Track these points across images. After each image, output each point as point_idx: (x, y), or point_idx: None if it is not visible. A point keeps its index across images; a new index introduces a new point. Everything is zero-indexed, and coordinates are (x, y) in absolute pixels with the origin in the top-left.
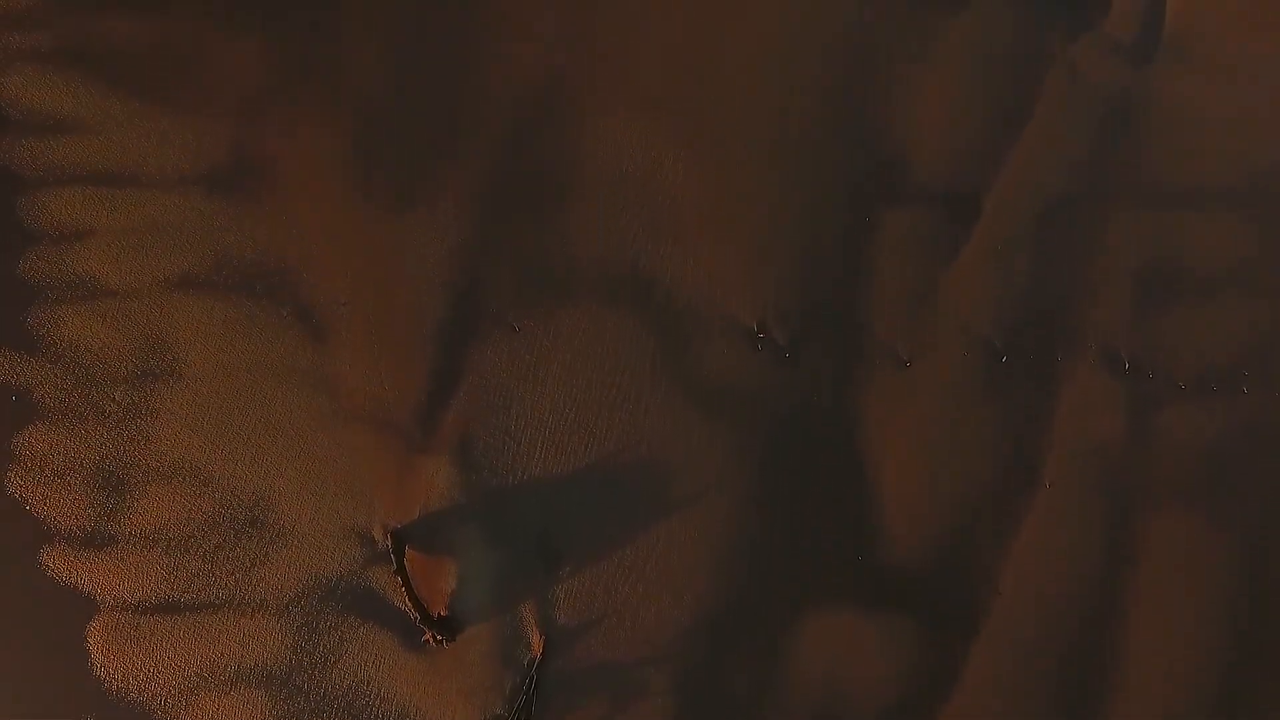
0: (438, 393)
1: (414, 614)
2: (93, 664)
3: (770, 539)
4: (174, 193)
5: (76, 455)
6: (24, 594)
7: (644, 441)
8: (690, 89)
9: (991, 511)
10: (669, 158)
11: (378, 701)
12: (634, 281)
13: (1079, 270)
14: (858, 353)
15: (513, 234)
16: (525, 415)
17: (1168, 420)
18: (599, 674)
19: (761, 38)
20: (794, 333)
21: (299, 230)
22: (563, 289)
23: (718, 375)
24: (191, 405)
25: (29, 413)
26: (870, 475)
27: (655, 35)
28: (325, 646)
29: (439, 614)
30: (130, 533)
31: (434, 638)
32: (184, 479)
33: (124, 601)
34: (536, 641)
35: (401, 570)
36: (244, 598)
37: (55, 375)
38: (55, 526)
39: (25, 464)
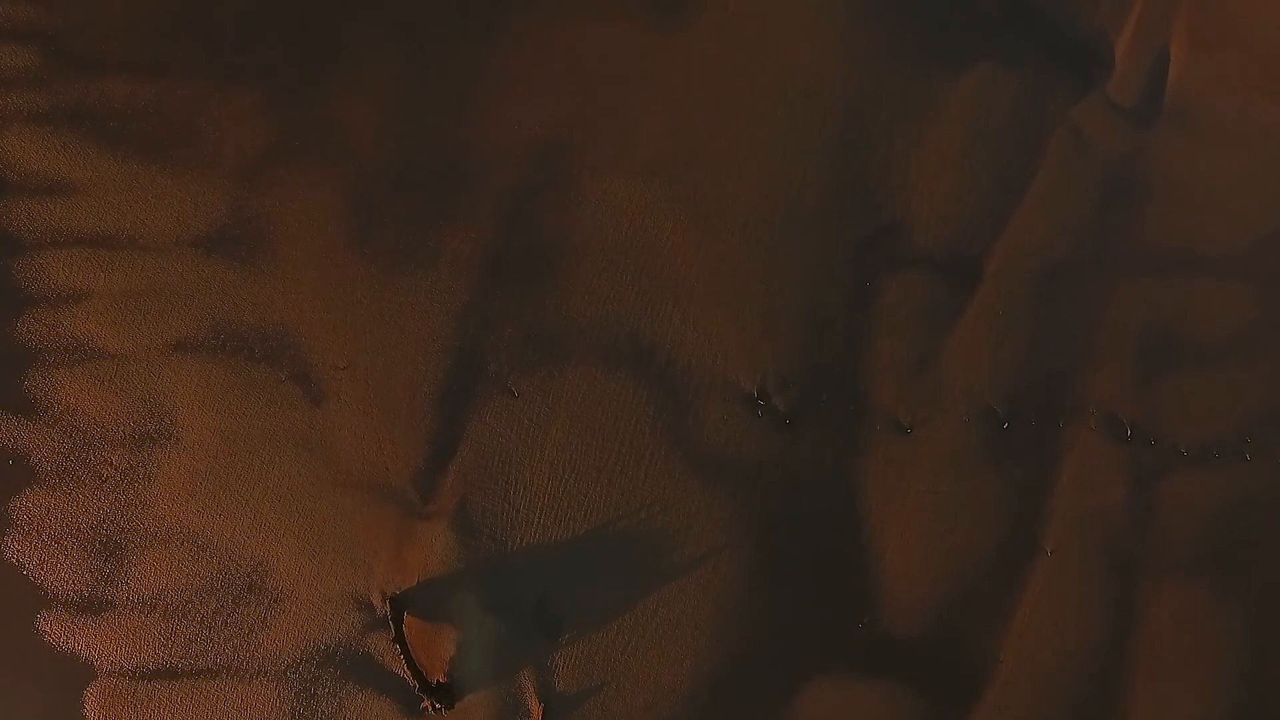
0: (436, 457)
1: (412, 681)
2: None
3: (770, 606)
4: (172, 255)
5: (73, 520)
6: (21, 660)
7: (643, 508)
8: (691, 155)
9: (993, 579)
10: (669, 223)
11: None
12: (633, 346)
13: (1081, 336)
14: (858, 419)
15: (512, 297)
16: (524, 480)
17: (1170, 488)
18: None
19: (762, 103)
20: (794, 399)
21: (298, 293)
22: (562, 353)
23: (717, 441)
24: (189, 470)
25: (26, 477)
26: (871, 542)
27: (657, 101)
28: (323, 713)
29: (437, 681)
30: (128, 598)
31: (432, 705)
32: (181, 544)
33: (121, 667)
34: (536, 709)
35: (400, 637)
36: (242, 664)
37: (52, 439)
38: (52, 591)
39: (22, 528)
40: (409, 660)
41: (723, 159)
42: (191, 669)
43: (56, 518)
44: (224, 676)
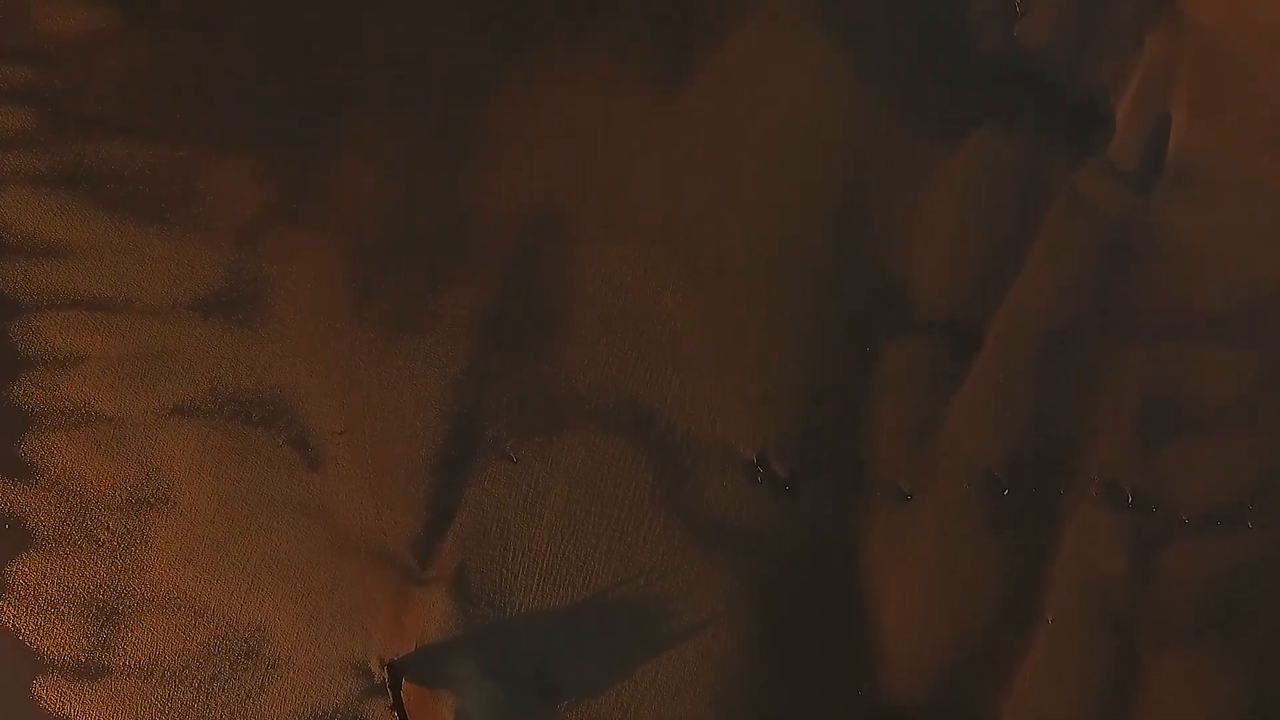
0: (434, 523)
1: None
2: None
3: (771, 673)
4: (169, 318)
5: (70, 584)
6: None
7: (642, 574)
8: (690, 219)
9: (993, 646)
10: (668, 288)
11: None
12: (632, 412)
13: (1081, 402)
14: (858, 486)
15: (510, 362)
16: (522, 547)
17: (1172, 555)
18: None
19: (761, 169)
20: (794, 465)
21: (295, 357)
22: (561, 418)
23: (717, 508)
24: (186, 534)
25: (22, 541)
26: (871, 609)
27: (656, 166)
28: None
29: None
30: (124, 663)
31: None
32: (178, 609)
33: None
34: None
35: (398, 703)
36: None
37: (48, 503)
38: (48, 657)
39: (18, 593)
40: None
41: (721, 223)
42: None
43: (53, 582)
44: None
